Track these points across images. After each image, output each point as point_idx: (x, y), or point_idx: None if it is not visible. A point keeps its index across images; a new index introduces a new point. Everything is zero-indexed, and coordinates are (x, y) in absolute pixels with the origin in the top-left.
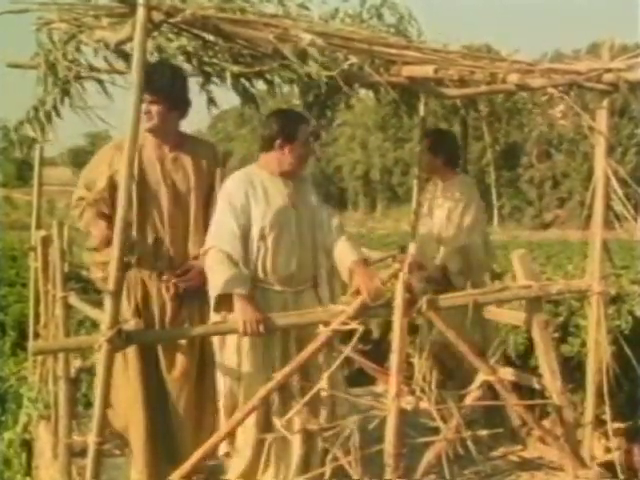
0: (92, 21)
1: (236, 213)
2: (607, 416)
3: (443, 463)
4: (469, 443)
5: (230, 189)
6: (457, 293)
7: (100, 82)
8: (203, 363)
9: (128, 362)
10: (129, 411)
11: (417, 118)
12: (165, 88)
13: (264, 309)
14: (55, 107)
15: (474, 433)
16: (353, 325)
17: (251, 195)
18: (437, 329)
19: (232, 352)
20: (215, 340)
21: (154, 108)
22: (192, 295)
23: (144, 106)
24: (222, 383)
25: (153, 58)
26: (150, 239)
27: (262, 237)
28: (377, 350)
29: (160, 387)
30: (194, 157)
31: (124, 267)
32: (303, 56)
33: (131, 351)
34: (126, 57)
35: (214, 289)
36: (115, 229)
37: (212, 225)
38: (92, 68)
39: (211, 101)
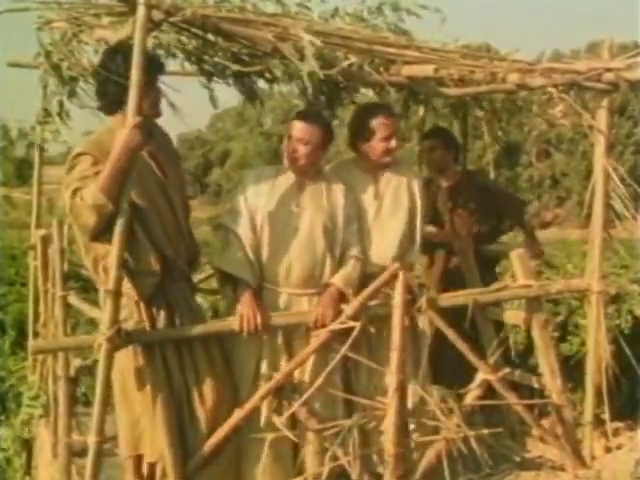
0: (92, 20)
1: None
2: (606, 415)
3: (443, 463)
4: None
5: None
6: (457, 292)
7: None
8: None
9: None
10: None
11: (415, 117)
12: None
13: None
14: (63, 107)
15: (475, 432)
16: (351, 324)
17: (262, 189)
18: None
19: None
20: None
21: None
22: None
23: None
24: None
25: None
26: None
27: (257, 231)
28: None
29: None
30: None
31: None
32: (303, 55)
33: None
34: None
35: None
36: (117, 229)
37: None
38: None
39: (212, 98)
